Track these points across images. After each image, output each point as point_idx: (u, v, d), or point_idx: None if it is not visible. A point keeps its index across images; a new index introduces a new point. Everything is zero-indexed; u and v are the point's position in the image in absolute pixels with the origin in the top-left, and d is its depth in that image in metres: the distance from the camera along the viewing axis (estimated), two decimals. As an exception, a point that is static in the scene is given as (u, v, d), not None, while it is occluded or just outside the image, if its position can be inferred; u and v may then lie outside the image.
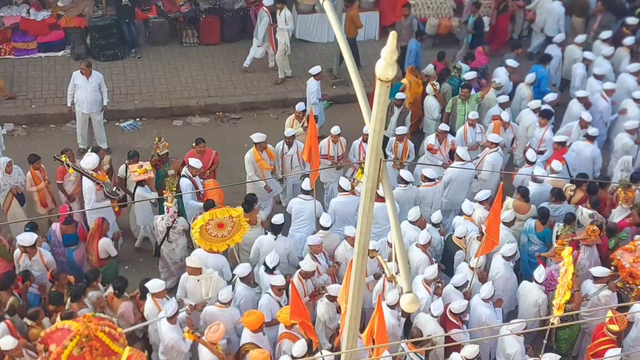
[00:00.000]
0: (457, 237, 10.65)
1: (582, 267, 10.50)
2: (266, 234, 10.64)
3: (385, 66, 3.90)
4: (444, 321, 9.55)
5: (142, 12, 16.58)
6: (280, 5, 15.34)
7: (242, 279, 9.68)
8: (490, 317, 9.67)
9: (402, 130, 12.51)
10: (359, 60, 15.75)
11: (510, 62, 14.55)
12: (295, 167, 12.23)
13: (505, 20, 17.32)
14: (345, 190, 11.15)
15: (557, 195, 11.38)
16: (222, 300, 9.30)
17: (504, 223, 10.63)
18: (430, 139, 12.66)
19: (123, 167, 11.65)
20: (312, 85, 13.77)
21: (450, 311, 9.47)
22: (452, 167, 11.87)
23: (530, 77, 14.16)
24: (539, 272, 10.03)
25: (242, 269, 9.70)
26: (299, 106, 12.79)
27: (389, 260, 9.01)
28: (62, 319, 8.17)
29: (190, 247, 10.93)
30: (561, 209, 11.32)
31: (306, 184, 11.08)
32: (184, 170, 11.27)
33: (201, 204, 10.92)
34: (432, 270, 9.81)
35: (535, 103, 13.38)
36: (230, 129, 14.93)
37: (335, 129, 12.31)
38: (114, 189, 10.89)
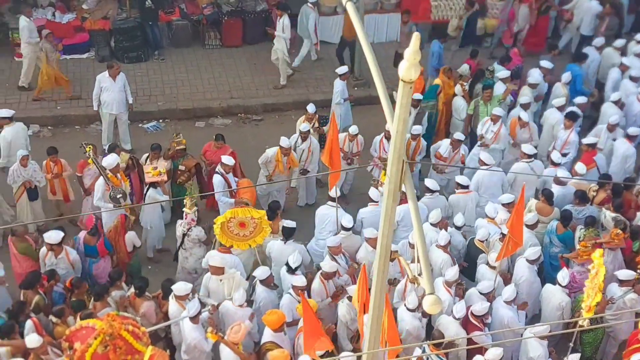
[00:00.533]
0: (479, 240, 10.59)
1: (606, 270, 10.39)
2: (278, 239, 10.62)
3: (408, 67, 3.91)
4: (465, 323, 9.50)
5: (165, 15, 16.72)
6: (279, 12, 15.33)
7: (261, 282, 9.68)
8: (513, 319, 9.60)
9: (417, 129, 12.47)
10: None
11: (545, 64, 14.43)
12: (302, 162, 12.37)
13: (545, 20, 17.21)
14: (374, 201, 11.10)
15: (581, 197, 11.27)
16: (235, 303, 9.35)
17: (527, 225, 10.53)
18: (442, 148, 12.54)
19: (145, 156, 11.83)
20: (338, 85, 13.78)
21: (472, 313, 9.42)
22: (481, 169, 11.76)
23: (566, 76, 14.05)
24: (563, 275, 9.94)
25: (262, 272, 9.69)
26: (310, 107, 12.82)
27: (411, 262, 8.98)
28: (82, 318, 8.25)
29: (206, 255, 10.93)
30: (585, 212, 11.21)
31: (333, 192, 11.04)
32: (218, 167, 11.36)
33: (233, 201, 10.99)
34: (453, 272, 9.77)
35: (560, 101, 13.27)
36: (252, 130, 14.99)
37: (353, 129, 12.35)
38: (119, 196, 10.80)
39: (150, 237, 11.73)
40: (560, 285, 9.93)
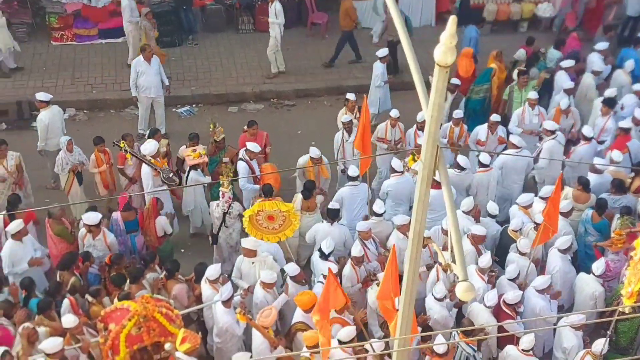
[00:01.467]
0: (512, 230, 10.48)
1: None
2: (323, 221, 10.67)
3: (444, 51, 3.85)
4: (497, 312, 9.44)
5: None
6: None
7: (292, 278, 9.67)
8: (545, 308, 9.50)
9: (459, 114, 12.37)
10: (358, 54, 15.76)
11: (601, 46, 14.20)
12: (358, 154, 12.16)
13: (602, 2, 16.87)
14: (397, 171, 11.07)
15: (618, 186, 11.08)
16: (264, 280, 9.35)
17: (562, 213, 10.42)
18: (481, 134, 12.41)
19: (181, 149, 11.84)
20: (378, 68, 13.71)
21: (504, 302, 9.36)
22: (506, 155, 11.67)
23: (629, 64, 13.79)
24: (597, 265, 9.81)
25: (292, 268, 9.67)
26: (351, 96, 12.72)
27: (444, 248, 8.93)
28: (119, 299, 8.36)
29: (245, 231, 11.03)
30: (621, 201, 11.03)
31: (353, 171, 11.02)
32: (241, 154, 11.35)
33: (257, 187, 11.01)
34: (486, 260, 9.69)
35: (612, 91, 13.00)
36: (284, 116, 15.01)
37: (394, 112, 12.25)
38: (171, 174, 11.04)
39: (194, 219, 11.83)
40: (594, 275, 9.80)
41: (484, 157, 11.45)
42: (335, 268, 9.58)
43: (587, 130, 11.99)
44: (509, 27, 17.49)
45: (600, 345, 8.58)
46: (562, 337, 9.28)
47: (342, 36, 15.91)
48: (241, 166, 11.29)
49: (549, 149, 11.83)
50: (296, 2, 17.25)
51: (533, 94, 12.73)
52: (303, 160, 11.76)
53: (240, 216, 10.74)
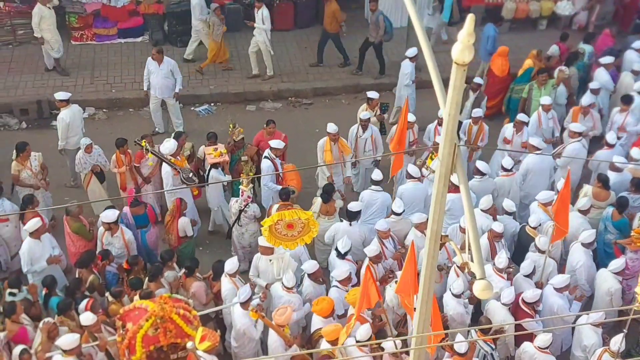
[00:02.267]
0: (530, 228, 10.41)
1: None
2: (343, 221, 10.66)
3: (462, 49, 3.83)
4: (515, 310, 9.40)
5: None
6: (258, 4, 14.97)
7: (309, 275, 9.67)
8: (563, 307, 9.46)
9: (478, 112, 12.35)
10: (345, 55, 15.62)
11: (638, 44, 14.07)
12: (368, 152, 12.19)
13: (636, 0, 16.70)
14: (413, 177, 11.06)
15: (638, 185, 10.98)
16: (286, 284, 9.38)
17: (580, 211, 10.35)
18: (507, 132, 12.38)
19: (202, 148, 11.87)
20: (407, 67, 13.71)
21: (523, 300, 9.31)
22: (529, 154, 11.60)
23: None
24: (615, 263, 9.76)
25: (310, 266, 9.68)
26: (373, 94, 12.72)
27: (462, 247, 8.90)
28: (141, 298, 8.41)
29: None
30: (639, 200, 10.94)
31: (376, 175, 11.03)
32: (266, 152, 11.36)
33: (279, 187, 11.02)
34: (502, 259, 9.65)
35: None
36: (302, 114, 15.02)
37: (410, 116, 12.20)
38: (190, 174, 11.07)
39: (216, 216, 11.89)
40: (611, 271, 9.73)
41: (507, 162, 11.37)
42: (350, 268, 9.55)
43: (610, 137, 11.84)
44: (528, 25, 17.36)
45: (617, 343, 8.49)
46: (582, 335, 9.23)
47: (324, 37, 15.75)
48: (265, 165, 11.30)
49: (572, 151, 11.70)
50: (314, 1, 17.23)
51: (546, 99, 12.64)
52: (322, 141, 11.89)
53: (255, 219, 10.73)
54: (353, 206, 10.45)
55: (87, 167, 11.61)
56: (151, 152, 11.18)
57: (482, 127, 12.34)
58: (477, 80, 13.01)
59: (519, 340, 9.32)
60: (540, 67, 13.78)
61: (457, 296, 9.35)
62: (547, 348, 8.77)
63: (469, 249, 4.20)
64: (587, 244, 10.05)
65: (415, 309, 7.62)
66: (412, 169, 11.15)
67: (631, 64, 13.81)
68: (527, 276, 9.77)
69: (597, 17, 16.40)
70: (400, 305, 9.51)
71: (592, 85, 13.08)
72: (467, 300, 9.53)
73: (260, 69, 15.61)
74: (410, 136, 12.30)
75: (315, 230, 9.65)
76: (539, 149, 11.56)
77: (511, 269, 9.83)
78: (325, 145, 11.84)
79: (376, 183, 11.03)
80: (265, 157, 11.38)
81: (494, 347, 8.97)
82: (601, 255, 10.83)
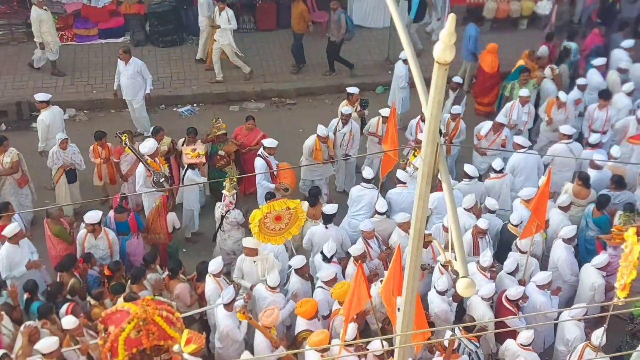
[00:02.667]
0: (512, 225, 10.46)
1: None
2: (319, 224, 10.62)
3: (443, 49, 3.84)
4: (499, 308, 9.45)
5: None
6: (221, 5, 14.77)
7: (296, 271, 9.68)
8: (545, 304, 9.51)
9: (457, 109, 12.43)
10: (303, 58, 15.52)
11: (627, 43, 14.25)
12: (344, 146, 12.28)
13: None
14: (402, 182, 11.06)
15: (617, 182, 11.08)
16: (269, 284, 9.35)
17: (560, 207, 10.45)
18: (484, 129, 12.43)
19: (181, 140, 11.91)
20: (400, 69, 13.74)
21: (506, 297, 9.35)
22: (514, 152, 11.67)
23: None
24: (598, 258, 9.85)
25: (298, 261, 9.68)
26: (354, 90, 12.80)
27: (445, 246, 8.94)
28: (125, 300, 8.35)
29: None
30: (621, 197, 11.05)
31: (367, 173, 11.04)
32: (260, 151, 11.37)
33: (273, 185, 10.99)
34: (487, 257, 9.70)
35: (630, 86, 13.02)
36: (285, 115, 15.00)
37: (385, 111, 12.27)
38: (162, 180, 10.92)
39: (190, 219, 11.83)
40: (595, 266, 9.82)
41: (497, 163, 11.40)
42: (336, 269, 9.55)
43: (593, 139, 11.90)
44: (508, 25, 17.46)
45: (599, 337, 8.58)
46: (564, 330, 9.28)
47: (297, 39, 15.62)
48: (259, 163, 11.30)
49: (558, 152, 11.74)
50: (297, 1, 17.21)
51: (524, 92, 12.80)
52: (310, 141, 11.96)
53: (238, 225, 10.67)
54: (328, 209, 10.39)
55: (59, 163, 11.56)
56: (129, 148, 11.11)
57: (458, 124, 12.41)
58: (457, 79, 13.07)
59: (502, 338, 9.36)
60: (533, 67, 13.85)
61: (442, 293, 9.38)
62: (529, 345, 8.82)
63: (452, 248, 4.22)
64: (568, 239, 10.12)
65: (398, 309, 7.67)
66: (401, 175, 11.14)
67: (618, 63, 13.92)
68: (510, 274, 9.82)
69: (557, 17, 16.51)
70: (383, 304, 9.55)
71: (579, 81, 13.19)
72: (450, 298, 9.56)
73: (242, 71, 15.51)
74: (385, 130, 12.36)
75: (302, 218, 9.66)
76: (523, 147, 11.61)
77: (495, 268, 9.87)
78: (315, 144, 11.89)
79: (367, 180, 11.01)
80: (259, 155, 11.38)
81: (478, 344, 9.00)
82: (582, 252, 10.92)
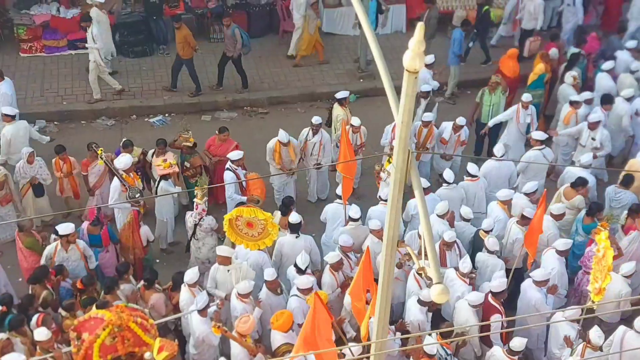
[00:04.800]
0: (483, 231, 10.51)
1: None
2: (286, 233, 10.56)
3: (412, 57, 3.90)
4: (487, 309, 9.42)
5: (169, 9, 16.70)
6: (86, 24, 14.51)
7: (266, 282, 9.63)
8: (540, 301, 9.55)
9: (429, 116, 12.52)
10: (198, 84, 15.26)
11: (631, 44, 14.42)
12: (314, 155, 12.34)
13: (620, 3, 17.00)
14: (384, 200, 11.03)
15: (627, 181, 11.32)
16: (240, 292, 9.30)
17: (552, 215, 10.58)
18: (446, 132, 12.54)
19: (152, 151, 11.86)
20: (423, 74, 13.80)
21: (491, 292, 9.37)
22: (488, 160, 11.84)
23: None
24: (628, 267, 9.90)
25: (269, 273, 9.62)
26: (342, 94, 12.89)
27: (419, 253, 8.98)
28: (97, 307, 8.28)
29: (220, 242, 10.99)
30: (621, 195, 11.33)
31: (340, 190, 11.02)
32: (228, 164, 11.35)
33: (244, 199, 10.99)
34: (466, 264, 9.74)
35: (629, 92, 13.16)
36: (258, 124, 15.00)
37: (355, 121, 12.34)
38: (137, 195, 10.86)
39: (164, 229, 11.79)
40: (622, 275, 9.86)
41: (472, 168, 11.50)
42: (307, 280, 9.50)
43: (537, 135, 12.02)
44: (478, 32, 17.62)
45: (601, 337, 8.68)
46: (559, 331, 9.28)
47: (186, 64, 15.07)
48: (228, 176, 11.26)
49: (531, 159, 11.85)
50: (268, 11, 17.27)
51: (526, 96, 12.91)
52: (272, 143, 12.10)
53: (212, 231, 10.66)
54: (294, 219, 10.31)
55: (27, 178, 11.47)
56: (105, 162, 11.04)
57: (431, 129, 12.51)
58: (425, 87, 13.12)
59: (489, 341, 9.33)
60: (547, 69, 13.95)
61: (423, 304, 9.32)
62: (518, 354, 8.78)
63: (425, 255, 4.26)
64: (562, 252, 10.07)
65: (367, 302, 7.68)
66: (384, 192, 11.04)
67: (626, 64, 13.99)
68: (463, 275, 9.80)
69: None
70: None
71: (586, 95, 13.11)
72: (426, 307, 9.54)
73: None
74: (357, 139, 12.42)
75: (274, 234, 9.64)
76: (497, 156, 11.73)
77: (474, 275, 9.93)
78: (275, 146, 12.04)
79: (340, 197, 10.95)
80: (227, 169, 11.36)
81: (449, 352, 9.01)
82: (570, 256, 10.97)
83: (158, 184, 11.37)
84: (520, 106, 12.88)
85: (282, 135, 11.98)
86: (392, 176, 4.44)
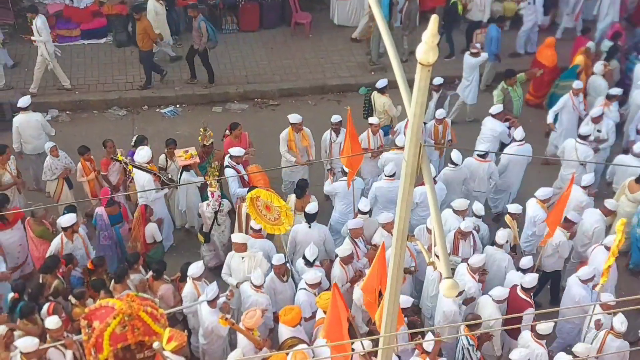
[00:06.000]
0: (509, 216, 10.47)
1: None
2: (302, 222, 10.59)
3: (426, 50, 3.87)
4: (513, 299, 9.38)
5: (182, -1, 16.73)
6: (31, 15, 14.26)
7: (274, 267, 9.65)
8: (585, 298, 9.52)
9: (442, 113, 12.44)
10: (149, 78, 15.09)
11: None
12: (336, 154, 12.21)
13: None
14: (388, 176, 11.06)
15: None
16: (254, 282, 9.34)
17: (604, 210, 10.57)
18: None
19: (163, 156, 11.78)
20: (469, 61, 14.01)
21: (521, 287, 9.37)
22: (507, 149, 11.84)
23: None
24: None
25: (277, 258, 9.66)
26: (382, 83, 12.85)
27: (428, 247, 8.97)
28: (105, 294, 8.35)
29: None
30: None
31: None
32: (227, 161, 11.27)
33: (246, 190, 10.99)
34: (478, 259, 9.69)
35: None
36: (268, 115, 15.00)
37: (373, 119, 12.23)
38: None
39: (188, 218, 11.83)
40: None
41: (456, 156, 11.35)
42: (321, 274, 9.51)
43: (518, 134, 11.91)
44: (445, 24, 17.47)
45: (623, 323, 8.70)
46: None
47: (143, 57, 14.93)
48: (229, 173, 11.19)
49: (507, 156, 11.81)
50: (279, 2, 17.24)
51: (578, 83, 12.95)
52: (284, 132, 12.01)
53: (231, 212, 10.78)
54: (311, 208, 10.32)
55: (58, 172, 11.44)
56: (131, 165, 11.02)
57: (446, 125, 12.46)
58: (438, 80, 13.06)
59: (515, 334, 9.31)
60: (588, 64, 13.93)
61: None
62: (545, 337, 8.82)
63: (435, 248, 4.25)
64: (584, 280, 9.80)
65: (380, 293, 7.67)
66: (389, 168, 11.08)
67: None
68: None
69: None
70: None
71: (613, 91, 13.07)
72: (461, 301, 9.52)
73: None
74: (378, 141, 12.29)
75: (287, 223, 9.63)
76: (521, 141, 11.71)
77: (486, 272, 9.89)
78: (288, 135, 11.93)
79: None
80: (227, 166, 11.25)
81: (473, 343, 8.96)
82: (634, 250, 10.94)
83: (180, 175, 11.36)
84: (572, 94, 12.94)
85: (294, 116, 11.86)
86: (403, 170, 4.42)
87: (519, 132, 11.75)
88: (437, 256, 4.25)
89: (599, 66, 13.64)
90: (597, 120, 12.43)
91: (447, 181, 11.24)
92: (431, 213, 4.31)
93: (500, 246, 10.09)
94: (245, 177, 11.26)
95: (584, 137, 11.92)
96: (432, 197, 4.26)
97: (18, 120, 12.08)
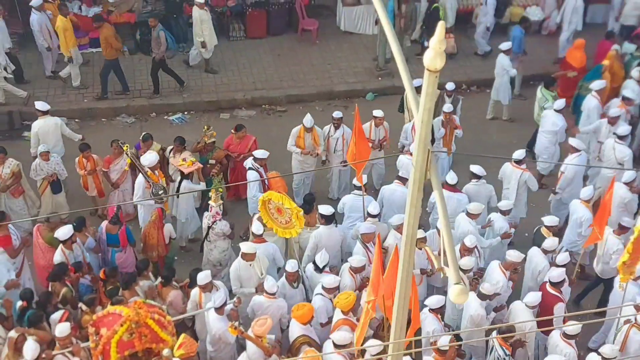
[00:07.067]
0: (546, 228, 10.38)
1: None
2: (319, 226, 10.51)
3: (433, 56, 3.87)
4: (543, 295, 9.36)
5: (190, 7, 16.74)
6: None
7: (286, 273, 9.63)
8: (638, 296, 9.42)
9: (449, 107, 12.45)
10: (125, 83, 15.07)
11: None
12: (339, 151, 12.26)
13: None
14: (401, 178, 10.99)
15: None
16: (268, 290, 9.30)
17: None
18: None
19: (170, 148, 11.90)
20: (503, 59, 14.13)
21: (550, 282, 9.35)
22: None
23: None
24: None
25: (291, 265, 9.63)
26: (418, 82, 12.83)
27: (438, 251, 8.93)
28: (112, 304, 8.35)
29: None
30: None
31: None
32: (250, 163, 11.26)
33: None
34: (516, 254, 9.69)
35: None
36: (276, 122, 15.02)
37: (379, 112, 12.22)
38: (161, 192, 10.93)
39: (185, 228, 11.79)
40: None
41: (518, 153, 11.32)
42: (334, 280, 9.46)
43: (575, 142, 11.83)
44: (499, 31, 17.52)
45: None
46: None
47: (106, 65, 14.84)
48: (252, 176, 11.19)
49: (572, 167, 11.63)
50: (286, 9, 17.28)
51: (599, 83, 12.91)
52: (296, 129, 12.10)
53: (225, 236, 10.57)
54: (325, 210, 10.25)
55: (41, 175, 11.56)
56: (130, 159, 11.10)
57: (453, 120, 12.52)
58: (450, 86, 13.08)
59: (548, 333, 9.29)
60: (619, 67, 13.92)
61: (483, 298, 9.26)
62: (574, 337, 8.77)
63: (444, 254, 4.24)
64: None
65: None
66: (405, 172, 11.03)
67: None
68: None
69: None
70: (378, 308, 9.50)
71: (625, 93, 13.05)
72: (490, 306, 9.49)
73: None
74: (380, 133, 12.30)
75: (298, 226, 9.64)
76: (578, 150, 11.58)
77: (517, 270, 9.83)
78: (298, 132, 12.03)
79: (358, 187, 10.92)
80: (250, 168, 11.26)
81: (509, 352, 8.86)
82: None
83: (180, 184, 11.35)
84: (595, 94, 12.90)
85: (308, 119, 11.97)
86: (411, 175, 4.42)
87: (575, 142, 11.55)
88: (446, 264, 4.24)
89: (635, 72, 13.54)
90: (613, 121, 12.34)
91: (471, 197, 10.95)
92: (440, 217, 4.31)
93: (546, 252, 10.02)
94: (247, 182, 11.29)
95: (622, 137, 11.88)
96: (440, 202, 4.26)
97: (37, 124, 12.16)
